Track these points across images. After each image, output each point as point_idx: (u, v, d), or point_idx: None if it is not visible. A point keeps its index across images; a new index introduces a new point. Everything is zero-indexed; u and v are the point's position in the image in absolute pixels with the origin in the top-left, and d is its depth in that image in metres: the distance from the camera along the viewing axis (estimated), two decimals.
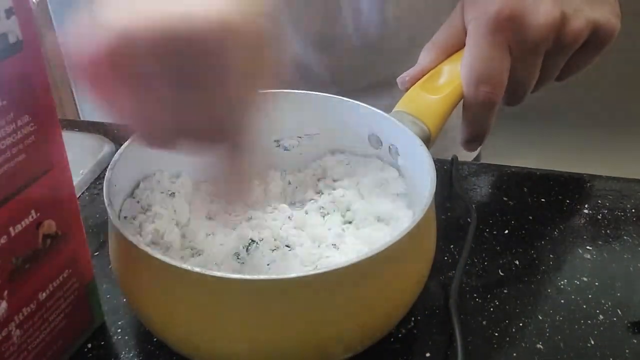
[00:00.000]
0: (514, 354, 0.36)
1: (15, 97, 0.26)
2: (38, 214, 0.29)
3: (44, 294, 0.31)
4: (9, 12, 0.25)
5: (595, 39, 0.41)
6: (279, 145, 0.45)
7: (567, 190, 0.51)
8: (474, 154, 0.73)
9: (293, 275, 0.28)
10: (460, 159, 0.53)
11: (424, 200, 0.32)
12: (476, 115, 0.42)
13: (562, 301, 0.40)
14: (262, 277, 0.28)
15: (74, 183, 0.32)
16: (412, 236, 0.30)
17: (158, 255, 0.28)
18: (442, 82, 0.42)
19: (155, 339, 0.37)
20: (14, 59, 0.26)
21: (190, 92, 0.26)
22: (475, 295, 0.40)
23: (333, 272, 0.28)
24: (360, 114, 0.41)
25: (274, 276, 0.28)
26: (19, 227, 0.28)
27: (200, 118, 0.27)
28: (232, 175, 0.30)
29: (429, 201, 0.32)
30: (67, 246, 0.32)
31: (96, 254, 0.43)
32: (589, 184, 0.52)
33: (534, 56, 0.40)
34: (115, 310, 0.39)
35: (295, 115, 0.43)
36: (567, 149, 1.56)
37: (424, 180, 0.34)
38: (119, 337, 0.37)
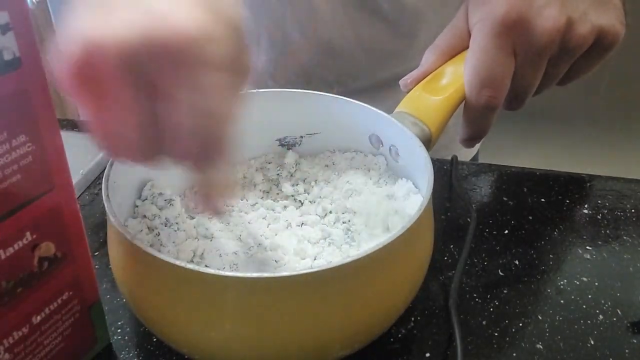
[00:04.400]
0: (514, 354, 0.36)
1: (11, 116, 0.25)
2: (34, 236, 0.28)
3: (39, 317, 0.30)
4: (4, 28, 0.24)
5: (599, 45, 0.41)
6: (281, 144, 0.45)
7: (567, 190, 0.51)
8: (472, 153, 0.73)
9: (291, 273, 0.28)
10: (459, 158, 0.53)
11: (420, 201, 0.32)
12: (477, 117, 0.42)
13: (562, 301, 0.40)
14: (259, 275, 0.28)
15: (74, 183, 0.31)
16: (408, 236, 0.30)
17: (157, 254, 0.28)
18: (444, 84, 0.42)
19: (155, 339, 0.37)
20: (10, 77, 0.24)
21: (163, 105, 0.24)
22: (475, 295, 0.40)
23: (330, 270, 0.28)
24: (361, 114, 0.41)
25: (271, 274, 0.29)
26: (10, 250, 0.27)
27: (176, 131, 0.25)
28: (210, 188, 0.28)
29: (424, 202, 0.32)
30: (67, 269, 0.31)
31: (96, 254, 0.43)
32: (589, 184, 0.52)
33: (538, 61, 0.40)
34: (115, 310, 0.39)
35: (297, 115, 0.43)
36: (567, 149, 1.56)
37: (422, 182, 0.34)
38: (119, 337, 0.37)
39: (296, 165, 0.45)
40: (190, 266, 0.28)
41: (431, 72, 0.43)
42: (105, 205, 0.31)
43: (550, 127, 1.57)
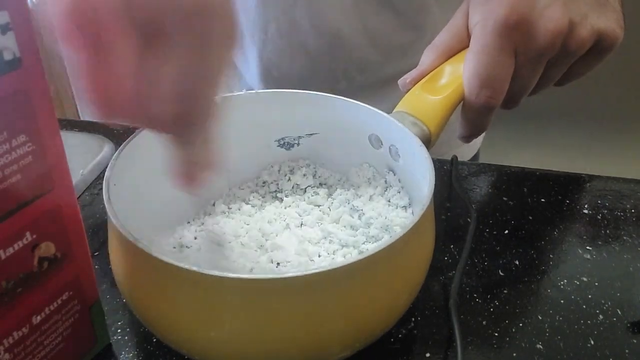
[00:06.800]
0: (514, 354, 0.36)
1: (11, 116, 0.25)
2: (34, 236, 0.28)
3: (39, 317, 0.30)
4: (4, 28, 0.23)
5: (598, 47, 0.41)
6: (280, 145, 0.45)
7: (567, 190, 0.51)
8: (472, 152, 0.73)
9: (291, 274, 0.28)
10: (459, 157, 0.53)
11: (422, 201, 0.32)
12: (475, 116, 0.42)
13: (562, 301, 0.40)
14: (259, 275, 0.28)
15: (74, 183, 0.31)
16: (410, 237, 0.30)
17: (157, 254, 0.28)
18: (443, 83, 0.42)
19: (155, 339, 0.37)
20: (10, 77, 0.24)
21: (156, 61, 0.24)
22: (475, 295, 0.40)
23: (330, 271, 0.28)
24: (361, 114, 0.41)
25: (271, 275, 0.29)
26: (10, 250, 0.27)
27: (165, 90, 0.25)
28: (192, 162, 0.29)
29: (426, 202, 0.32)
30: (67, 269, 0.31)
31: (96, 254, 0.43)
32: (588, 184, 0.52)
33: (538, 62, 0.40)
34: (115, 310, 0.39)
35: (296, 115, 0.43)
36: (567, 149, 1.56)
37: (423, 182, 0.34)
38: (119, 337, 0.37)
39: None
40: (190, 267, 0.28)
41: (430, 72, 0.43)
42: (106, 206, 0.31)
43: (550, 127, 1.57)
